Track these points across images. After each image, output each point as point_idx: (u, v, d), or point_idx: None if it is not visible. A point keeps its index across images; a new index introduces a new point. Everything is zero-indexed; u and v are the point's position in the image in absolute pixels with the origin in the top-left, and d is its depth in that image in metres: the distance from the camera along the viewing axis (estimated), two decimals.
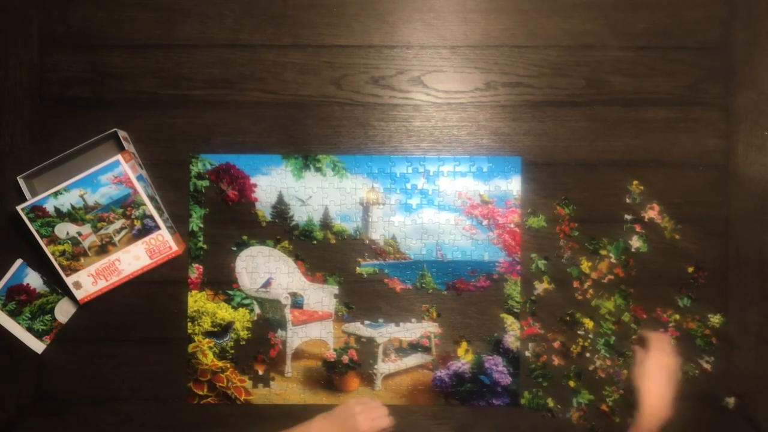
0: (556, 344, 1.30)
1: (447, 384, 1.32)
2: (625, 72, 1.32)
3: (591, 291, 1.31)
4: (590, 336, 1.31)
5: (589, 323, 1.31)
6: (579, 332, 1.31)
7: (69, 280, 1.24)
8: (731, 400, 1.30)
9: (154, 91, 1.32)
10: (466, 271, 1.32)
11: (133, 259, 1.25)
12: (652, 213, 1.31)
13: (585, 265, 1.31)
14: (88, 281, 1.25)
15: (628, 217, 1.32)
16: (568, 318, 1.31)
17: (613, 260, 1.31)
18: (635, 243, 1.31)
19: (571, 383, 1.30)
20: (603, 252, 1.31)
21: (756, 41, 1.32)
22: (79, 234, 1.23)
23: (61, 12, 1.32)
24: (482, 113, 1.32)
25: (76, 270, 1.24)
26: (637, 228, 1.31)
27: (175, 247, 1.27)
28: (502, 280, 1.31)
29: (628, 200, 1.31)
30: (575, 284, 1.31)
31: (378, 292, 1.32)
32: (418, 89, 1.33)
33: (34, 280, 1.31)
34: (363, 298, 1.32)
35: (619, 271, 1.31)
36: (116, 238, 1.25)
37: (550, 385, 1.31)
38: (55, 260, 1.23)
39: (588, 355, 1.31)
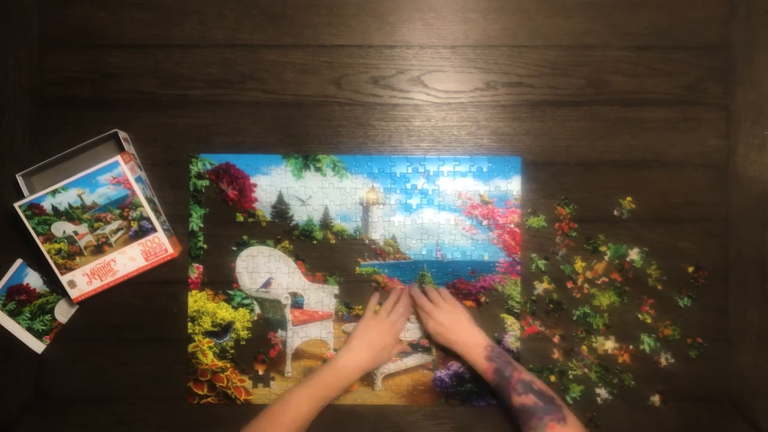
0: (556, 339, 1.22)
1: (447, 384, 1.22)
2: (625, 72, 1.23)
3: (586, 289, 1.22)
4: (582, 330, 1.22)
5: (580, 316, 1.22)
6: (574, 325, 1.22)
7: (64, 279, 1.16)
8: (656, 399, 1.21)
9: (154, 91, 1.23)
10: (466, 271, 1.22)
11: (128, 260, 1.16)
12: (633, 255, 1.22)
13: (579, 265, 1.21)
14: (83, 280, 1.16)
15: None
16: (565, 315, 1.22)
17: (607, 258, 1.21)
18: (632, 255, 1.21)
19: (552, 378, 1.22)
20: (603, 248, 1.21)
21: (756, 41, 1.23)
22: (76, 233, 1.14)
23: (61, 12, 1.23)
24: (482, 113, 1.23)
25: (71, 269, 1.16)
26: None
27: (170, 250, 1.17)
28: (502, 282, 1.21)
29: (615, 213, 1.21)
30: (569, 284, 1.22)
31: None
32: (418, 89, 1.23)
33: (34, 280, 1.22)
34: (363, 297, 1.23)
35: (616, 276, 1.21)
36: (112, 239, 1.15)
37: (550, 385, 1.21)
38: (51, 258, 1.15)
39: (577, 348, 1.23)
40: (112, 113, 1.22)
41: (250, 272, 1.23)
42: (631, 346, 1.22)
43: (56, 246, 1.14)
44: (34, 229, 1.14)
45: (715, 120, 1.23)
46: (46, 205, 1.13)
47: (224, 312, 1.22)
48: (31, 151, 1.22)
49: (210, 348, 1.22)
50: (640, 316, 1.22)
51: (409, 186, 1.23)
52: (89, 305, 1.21)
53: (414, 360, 1.23)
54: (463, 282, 1.22)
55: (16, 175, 1.17)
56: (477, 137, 1.23)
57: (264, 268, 1.23)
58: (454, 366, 1.22)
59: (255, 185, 1.23)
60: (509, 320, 1.22)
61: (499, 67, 1.23)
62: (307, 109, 1.23)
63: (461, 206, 1.23)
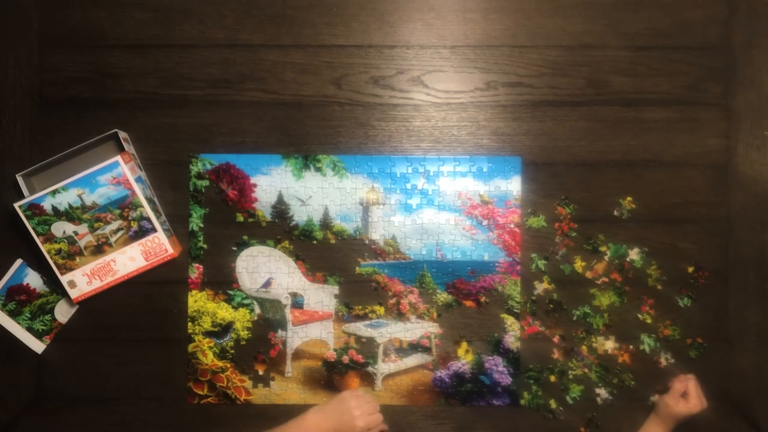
0: (556, 339, 1.21)
1: (447, 384, 1.21)
2: (625, 72, 1.22)
3: (588, 290, 1.21)
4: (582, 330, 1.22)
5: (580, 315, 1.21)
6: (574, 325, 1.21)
7: (64, 279, 1.15)
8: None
9: (154, 91, 1.23)
10: (466, 271, 1.21)
11: (128, 260, 1.16)
12: (633, 255, 1.21)
13: (579, 264, 1.20)
14: (83, 281, 1.15)
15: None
16: (565, 314, 1.21)
17: (607, 258, 1.20)
18: (632, 255, 1.20)
19: (552, 378, 1.21)
20: (603, 249, 1.20)
21: (756, 41, 1.23)
22: (76, 233, 1.14)
23: (61, 12, 1.23)
24: (482, 113, 1.22)
25: (71, 269, 1.15)
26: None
27: (170, 250, 1.17)
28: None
29: (615, 213, 1.20)
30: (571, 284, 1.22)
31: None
32: (418, 89, 1.22)
33: (34, 280, 1.21)
34: (363, 297, 1.23)
35: (616, 276, 1.20)
36: (112, 239, 1.15)
37: (550, 385, 1.20)
38: (51, 258, 1.14)
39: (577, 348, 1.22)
40: (112, 113, 1.22)
41: (250, 272, 1.22)
42: (631, 346, 1.21)
43: (56, 246, 1.14)
44: (34, 229, 1.13)
45: (715, 120, 1.22)
46: (46, 205, 1.13)
47: (224, 312, 1.22)
48: (31, 151, 1.21)
49: (210, 348, 1.22)
50: (640, 316, 1.21)
51: (409, 186, 1.22)
52: (89, 305, 1.20)
53: (414, 360, 1.22)
54: (463, 282, 1.22)
55: (16, 175, 1.16)
56: (477, 137, 1.23)
57: (264, 268, 1.22)
58: (454, 366, 1.21)
59: (255, 185, 1.22)
60: (509, 320, 1.22)
61: (499, 67, 1.22)
62: (307, 109, 1.22)
63: (461, 206, 1.22)
